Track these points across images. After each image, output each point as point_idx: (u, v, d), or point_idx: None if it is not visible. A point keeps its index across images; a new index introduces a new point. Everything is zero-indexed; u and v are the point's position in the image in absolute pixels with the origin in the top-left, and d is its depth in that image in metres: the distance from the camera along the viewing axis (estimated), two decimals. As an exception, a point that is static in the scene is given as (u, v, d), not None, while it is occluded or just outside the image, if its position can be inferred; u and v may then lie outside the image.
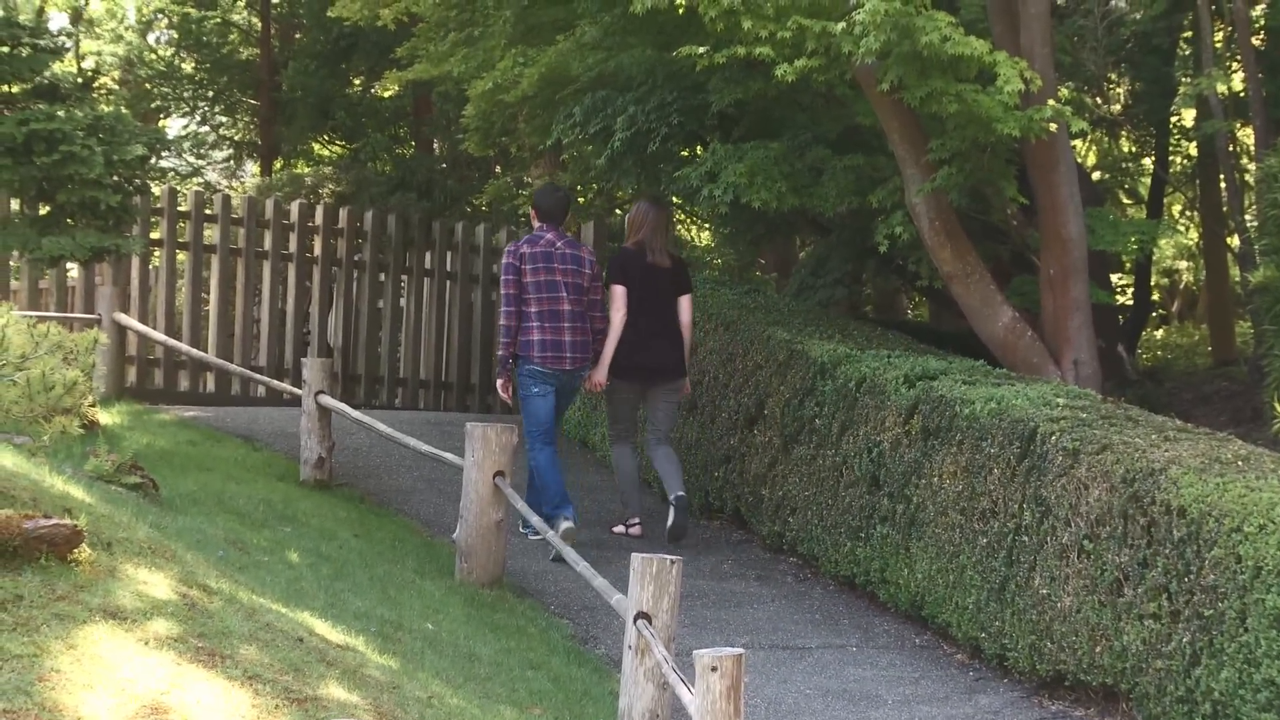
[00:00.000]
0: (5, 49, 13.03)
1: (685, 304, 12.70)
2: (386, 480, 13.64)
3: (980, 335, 12.59)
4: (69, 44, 24.38)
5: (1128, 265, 17.70)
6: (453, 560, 10.89)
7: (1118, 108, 18.13)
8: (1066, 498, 9.11)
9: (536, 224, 12.56)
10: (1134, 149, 20.92)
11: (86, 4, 29.80)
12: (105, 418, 13.34)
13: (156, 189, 18.05)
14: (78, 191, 12.66)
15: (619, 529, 12.70)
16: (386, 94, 25.42)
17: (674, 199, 17.74)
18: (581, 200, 18.57)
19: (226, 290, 18.24)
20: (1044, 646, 9.14)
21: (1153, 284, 21.60)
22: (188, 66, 28.13)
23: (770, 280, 22.45)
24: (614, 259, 12.89)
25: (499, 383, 12.38)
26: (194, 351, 16.37)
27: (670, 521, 12.30)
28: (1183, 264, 26.14)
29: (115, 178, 12.97)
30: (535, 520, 10.59)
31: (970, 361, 11.42)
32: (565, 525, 11.69)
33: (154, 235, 17.96)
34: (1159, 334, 25.06)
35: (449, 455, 11.33)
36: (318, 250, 18.72)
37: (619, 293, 12.49)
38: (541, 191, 13.00)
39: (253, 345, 18.51)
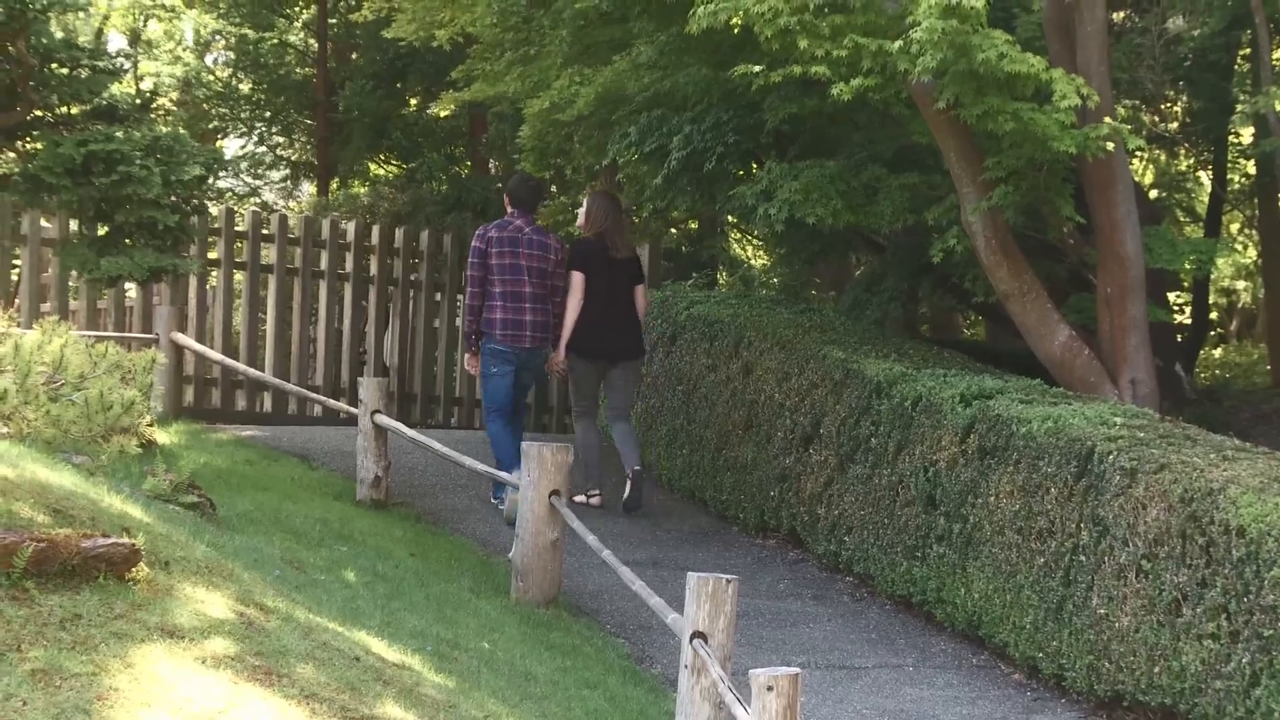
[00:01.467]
0: (65, 71, 13.11)
1: (640, 292, 13.88)
2: (442, 499, 13.65)
3: (1037, 354, 12.54)
4: (127, 65, 24.49)
5: (1186, 284, 17.61)
6: (508, 579, 10.89)
7: (1175, 125, 18.05)
8: (1124, 517, 9.06)
9: (509, 210, 13.44)
10: (1191, 167, 20.84)
11: (145, 26, 29.97)
12: (163, 437, 13.38)
13: (214, 209, 18.12)
14: (136, 212, 12.72)
15: (580, 498, 13.43)
16: (442, 114, 25.47)
17: (729, 218, 17.74)
18: (636, 220, 18.58)
19: (283, 310, 18.31)
20: (1102, 666, 9.09)
21: (1211, 302, 21.49)
22: (245, 87, 28.26)
23: (828, 299, 22.43)
24: (575, 248, 13.85)
25: (466, 358, 13.52)
26: (251, 371, 16.43)
27: (627, 494, 13.60)
28: (1241, 284, 26.01)
29: (173, 198, 13.03)
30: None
31: (1027, 380, 11.38)
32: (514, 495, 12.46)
33: (211, 255, 18.05)
34: (1217, 353, 24.93)
35: (505, 474, 11.33)
36: (374, 270, 18.78)
37: (578, 280, 13.53)
38: (516, 180, 14.04)
39: (309, 365, 18.57)
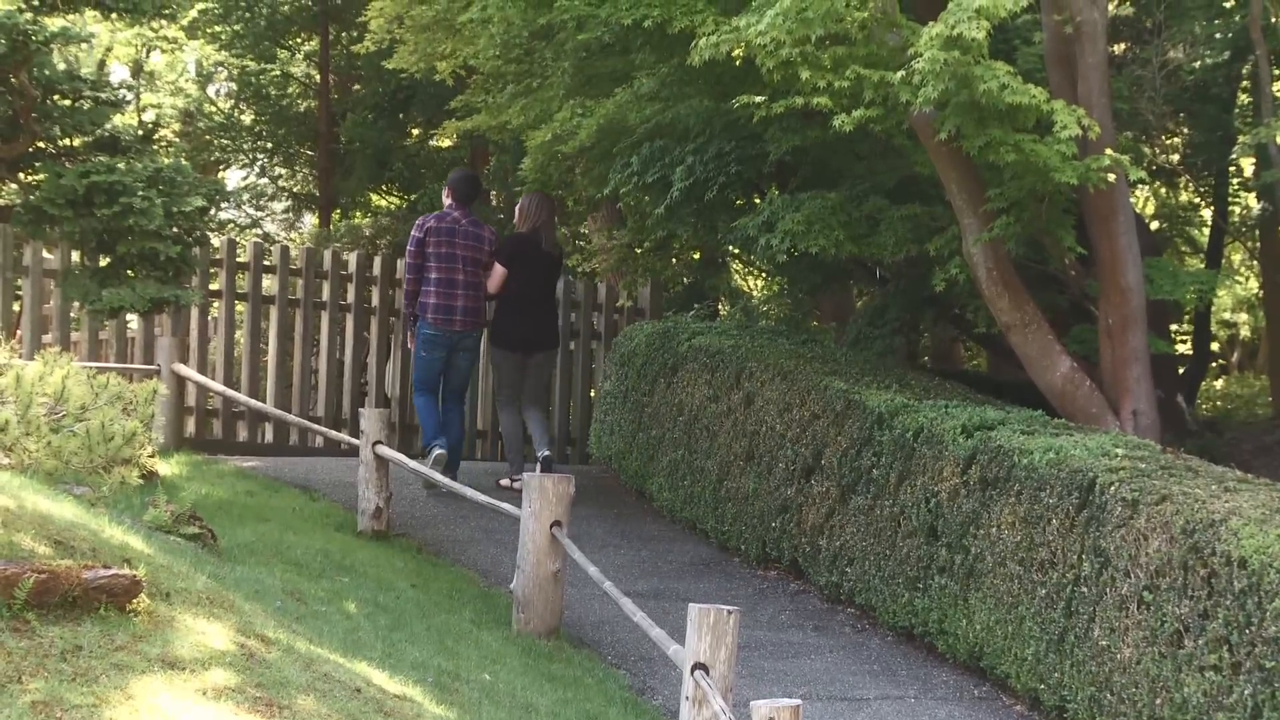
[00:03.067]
0: (67, 102, 13.12)
1: (556, 289, 15.37)
2: (444, 530, 13.65)
3: (1038, 385, 12.54)
4: (130, 97, 24.52)
5: (1187, 315, 17.60)
6: (510, 610, 10.88)
7: (1176, 157, 18.06)
8: (1126, 548, 9.06)
9: (447, 202, 14.84)
10: (1193, 198, 20.84)
11: (147, 57, 30.02)
12: (164, 468, 13.38)
13: (216, 240, 18.13)
14: (138, 243, 12.71)
15: (504, 482, 14.70)
16: (444, 145, 25.51)
17: (731, 249, 17.76)
18: (639, 251, 18.59)
19: (285, 341, 18.30)
20: (1104, 698, 9.08)
21: (1213, 334, 21.48)
22: (247, 119, 28.29)
23: (829, 330, 22.43)
24: (508, 241, 15.08)
25: (407, 336, 15.15)
26: (252, 402, 16.43)
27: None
28: (1242, 316, 25.99)
29: (175, 229, 13.02)
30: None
31: (1028, 411, 11.38)
32: (437, 452, 14.30)
33: (213, 286, 18.04)
34: (1219, 384, 24.91)
35: (506, 506, 11.34)
36: (376, 301, 18.77)
37: (498, 271, 14.72)
38: (455, 175, 15.37)
39: (311, 395, 18.55)
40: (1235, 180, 18.37)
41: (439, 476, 11.99)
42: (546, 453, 14.67)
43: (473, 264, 14.63)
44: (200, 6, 25.98)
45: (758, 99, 11.83)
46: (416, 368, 14.80)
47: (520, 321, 14.84)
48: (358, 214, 27.59)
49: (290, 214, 30.01)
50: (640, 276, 18.32)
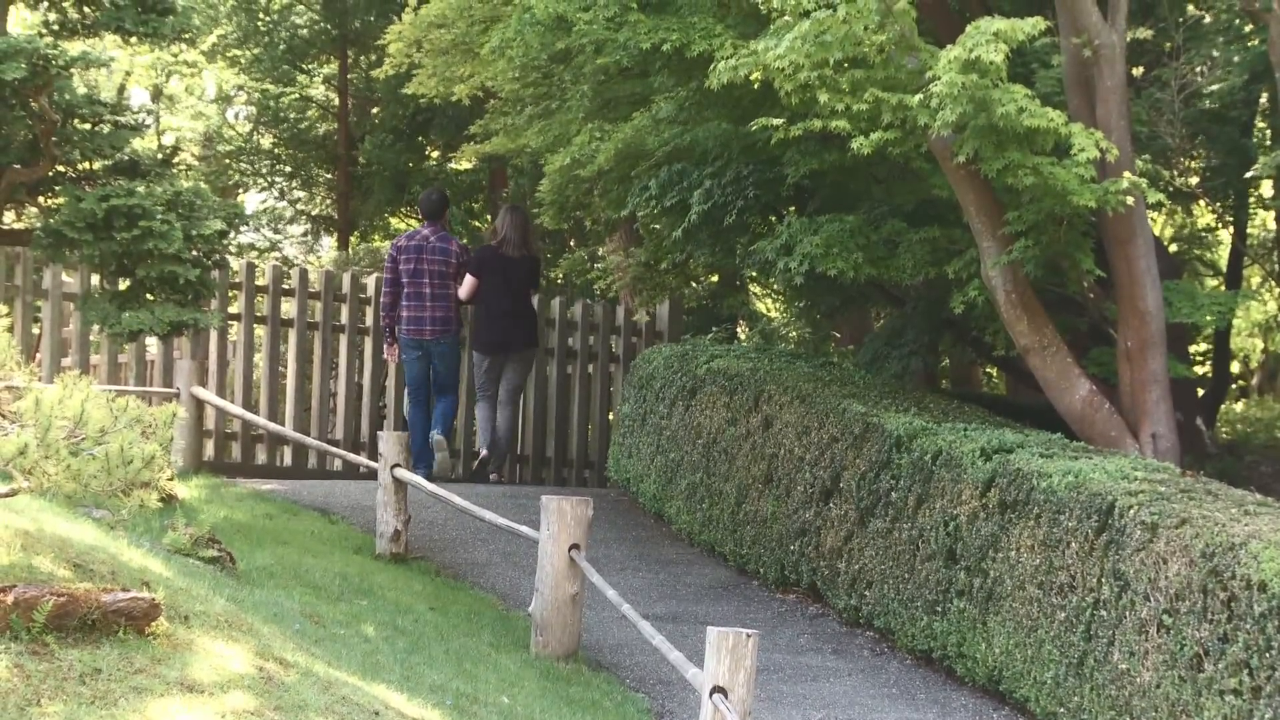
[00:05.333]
0: (87, 126, 13.16)
1: (530, 293, 16.75)
2: (462, 553, 13.65)
3: (1057, 408, 12.52)
4: (149, 121, 24.64)
5: (1206, 338, 17.56)
6: (528, 633, 10.88)
7: (1194, 180, 18.05)
8: (1145, 572, 9.04)
9: (421, 223, 16.50)
10: (1211, 221, 20.82)
11: (167, 81, 30.09)
12: (183, 491, 13.40)
13: (235, 264, 18.17)
14: (157, 266, 12.74)
15: (482, 452, 16.66)
16: (462, 168, 25.54)
17: (749, 272, 17.77)
18: (656, 268, 18.62)
19: (303, 364, 18.33)
20: (1124, 722, 9.05)
21: (1233, 356, 21.43)
22: (266, 142, 28.35)
23: (847, 352, 22.41)
24: (475, 253, 16.63)
25: (385, 348, 16.75)
26: (271, 425, 16.46)
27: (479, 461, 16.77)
28: (1256, 342, 25.94)
29: (194, 252, 13.05)
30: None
31: (1047, 434, 11.37)
32: (436, 436, 16.24)
33: (232, 309, 18.09)
34: (1238, 407, 24.85)
35: (524, 528, 11.33)
36: (394, 324, 18.80)
37: (468, 281, 16.25)
38: (423, 196, 17.02)
39: (329, 419, 18.57)
40: (1254, 202, 18.37)
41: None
42: (484, 453, 16.63)
43: (439, 276, 16.23)
44: (220, 31, 26.08)
45: (776, 122, 11.84)
46: (406, 373, 16.69)
47: (490, 326, 16.49)
48: (376, 237, 27.64)
49: (309, 237, 30.08)
50: (657, 294, 18.33)
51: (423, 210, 16.73)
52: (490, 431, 16.62)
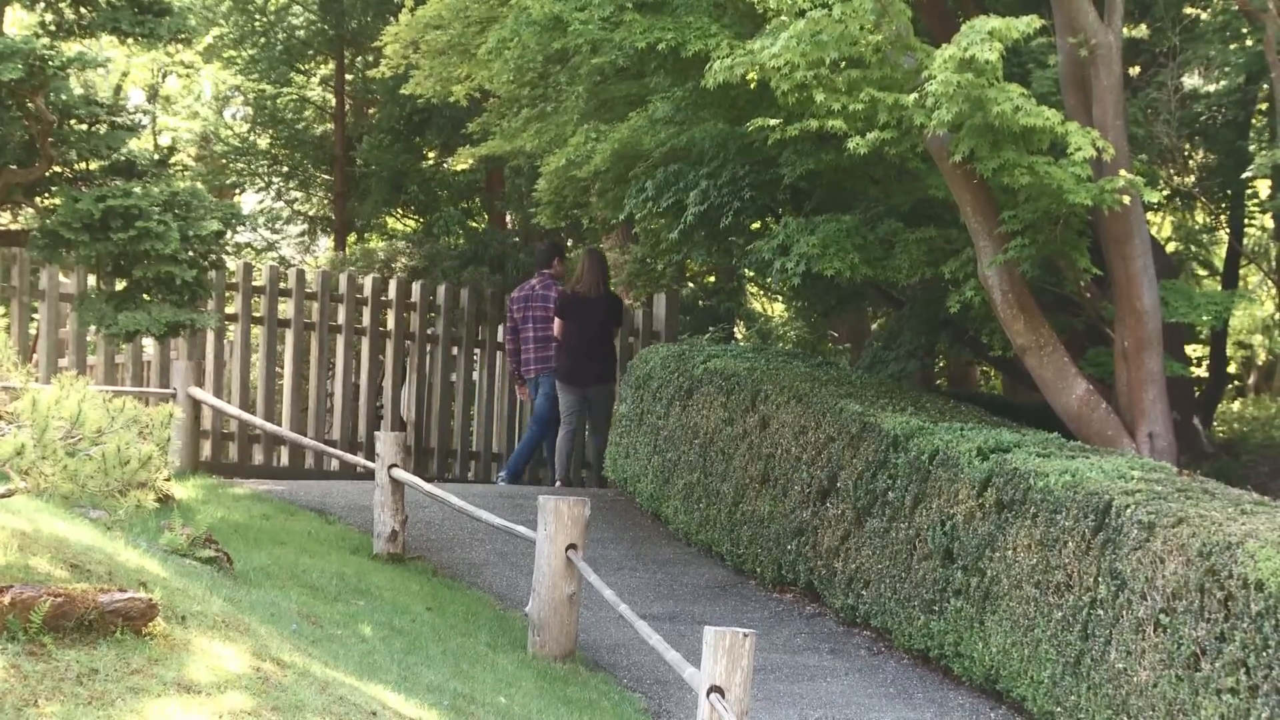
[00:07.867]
0: (84, 127, 13.17)
1: (613, 331, 17.76)
2: (459, 553, 13.65)
3: (1054, 407, 12.52)
4: (146, 121, 24.63)
5: (1203, 337, 17.56)
6: (525, 633, 10.88)
7: (1191, 179, 18.05)
8: (1142, 571, 9.04)
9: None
10: (1208, 221, 20.82)
11: (163, 81, 30.08)
12: (180, 491, 13.40)
13: (231, 264, 18.17)
14: (153, 267, 12.75)
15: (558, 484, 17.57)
16: (459, 168, 25.53)
17: (746, 271, 17.83)
18: (655, 272, 18.66)
19: (300, 364, 18.33)
20: (1121, 721, 9.06)
21: (1230, 355, 21.42)
22: (263, 142, 28.33)
23: (843, 351, 22.41)
24: (559, 299, 17.55)
25: (517, 387, 18.40)
26: (268, 425, 16.46)
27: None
28: (1257, 338, 25.93)
29: (191, 253, 13.06)
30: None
31: (1044, 434, 11.37)
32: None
33: (229, 310, 18.09)
34: (1235, 406, 24.85)
35: (521, 528, 11.33)
36: (391, 324, 18.81)
37: (556, 324, 17.46)
38: (536, 249, 18.91)
39: (326, 419, 18.58)
40: (1251, 202, 18.37)
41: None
42: (558, 484, 17.58)
43: (543, 321, 17.68)
44: (216, 31, 26.05)
45: (772, 122, 11.84)
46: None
47: (571, 361, 17.47)
48: (373, 237, 27.62)
49: (306, 237, 30.05)
50: (654, 288, 18.45)
51: (535, 261, 18.31)
52: (566, 456, 17.74)
